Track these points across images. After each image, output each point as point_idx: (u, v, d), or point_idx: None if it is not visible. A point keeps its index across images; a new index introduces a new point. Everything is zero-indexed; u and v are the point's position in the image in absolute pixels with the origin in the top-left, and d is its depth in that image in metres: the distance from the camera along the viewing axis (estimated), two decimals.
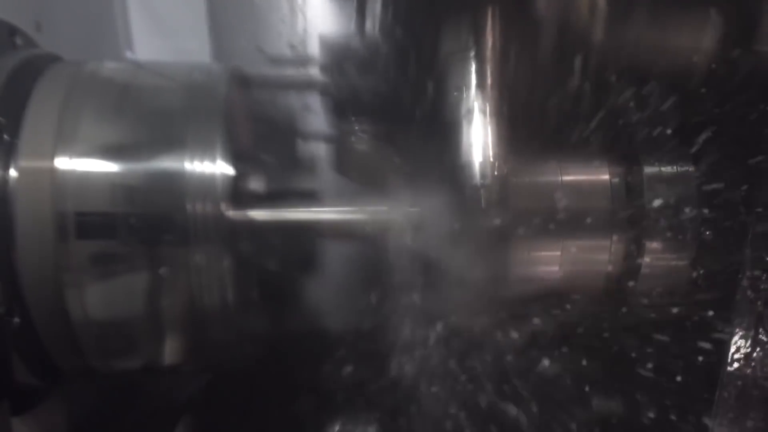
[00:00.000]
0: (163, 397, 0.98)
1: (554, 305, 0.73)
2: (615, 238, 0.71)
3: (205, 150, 0.67)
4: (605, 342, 0.73)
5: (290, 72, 0.87)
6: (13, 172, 0.65)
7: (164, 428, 0.91)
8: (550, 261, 0.72)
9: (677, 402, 0.67)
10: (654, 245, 0.70)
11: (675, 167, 0.70)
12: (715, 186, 0.67)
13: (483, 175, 0.65)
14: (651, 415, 0.70)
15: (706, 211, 0.68)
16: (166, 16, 1.23)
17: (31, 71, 0.70)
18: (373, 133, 0.80)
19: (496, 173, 0.65)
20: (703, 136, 0.67)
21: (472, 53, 0.67)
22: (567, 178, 0.72)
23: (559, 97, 0.69)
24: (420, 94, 0.71)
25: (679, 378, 0.67)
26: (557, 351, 0.74)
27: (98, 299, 0.67)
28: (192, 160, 0.67)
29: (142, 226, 0.65)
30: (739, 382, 0.59)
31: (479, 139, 0.66)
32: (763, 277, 0.60)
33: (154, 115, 0.69)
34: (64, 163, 0.65)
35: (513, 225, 0.67)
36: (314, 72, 0.83)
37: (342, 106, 0.81)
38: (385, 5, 0.71)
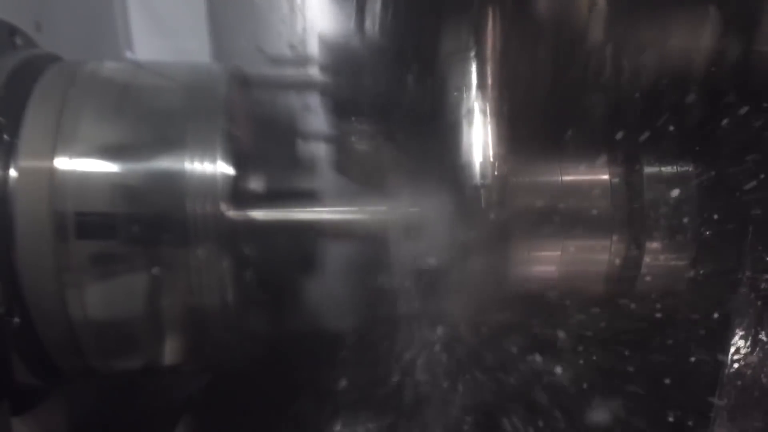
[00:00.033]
0: (163, 397, 0.98)
1: (554, 305, 0.73)
2: (615, 238, 0.71)
3: (205, 150, 0.67)
4: (605, 342, 0.73)
5: (290, 72, 0.87)
6: (12, 172, 0.65)
7: (164, 428, 0.91)
8: (549, 261, 0.72)
9: (677, 402, 0.67)
10: (654, 245, 0.70)
11: (675, 167, 0.70)
12: (715, 186, 0.67)
13: (483, 175, 0.65)
14: (651, 415, 0.70)
15: (706, 211, 0.68)
16: (166, 16, 1.23)
17: (31, 71, 0.70)
18: (373, 133, 0.80)
19: (496, 173, 0.65)
20: (703, 137, 0.67)
21: (472, 53, 0.67)
22: (567, 178, 0.72)
23: (559, 97, 0.69)
24: (420, 94, 0.71)
25: (678, 378, 0.67)
26: (557, 351, 0.74)
27: (98, 299, 0.67)
28: (192, 160, 0.67)
29: (142, 226, 0.65)
30: (739, 382, 0.59)
31: (479, 139, 0.66)
32: (763, 277, 0.60)
33: (154, 115, 0.69)
34: (63, 163, 0.65)
35: (513, 225, 0.67)
36: (314, 72, 0.83)
37: (342, 106, 0.81)
38: (385, 5, 0.71)
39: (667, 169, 0.70)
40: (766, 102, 0.62)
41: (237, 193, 0.68)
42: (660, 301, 0.71)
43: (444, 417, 0.76)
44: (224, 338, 0.70)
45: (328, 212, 0.72)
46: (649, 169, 0.70)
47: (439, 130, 0.69)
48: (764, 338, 0.59)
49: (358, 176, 0.83)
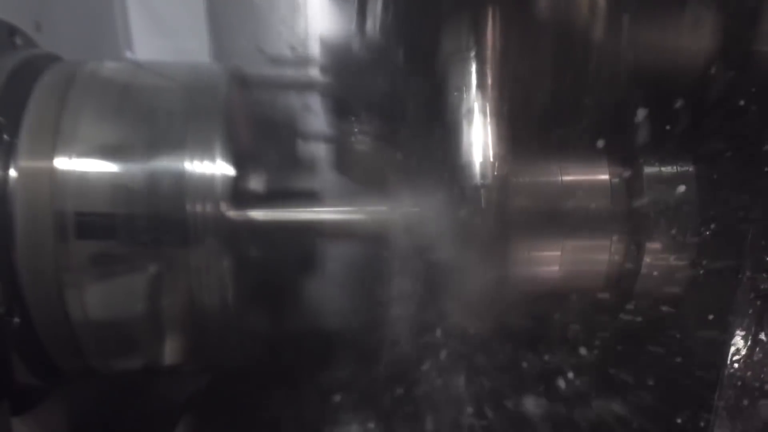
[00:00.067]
0: (163, 397, 0.98)
1: (554, 305, 0.73)
2: (615, 238, 0.71)
3: (205, 150, 0.67)
4: (605, 342, 0.73)
5: (290, 72, 0.87)
6: (12, 172, 0.65)
7: (164, 428, 0.91)
8: (550, 261, 0.72)
9: (677, 402, 0.67)
10: (654, 245, 0.70)
11: (675, 167, 0.70)
12: (715, 186, 0.67)
13: (483, 175, 0.65)
14: (651, 415, 0.70)
15: (705, 211, 0.68)
16: (166, 16, 1.23)
17: (31, 71, 0.70)
18: (373, 133, 0.80)
19: (496, 173, 0.65)
20: (703, 137, 0.67)
21: (472, 53, 0.67)
22: (567, 178, 0.72)
23: (560, 97, 0.69)
24: (420, 95, 0.71)
25: (678, 378, 0.67)
26: (557, 351, 0.74)
27: (98, 299, 0.67)
28: (192, 160, 0.67)
29: (142, 226, 0.65)
30: (739, 383, 0.59)
31: (479, 139, 0.66)
32: (763, 277, 0.60)
33: (153, 115, 0.69)
34: (63, 163, 0.65)
35: (513, 225, 0.67)
36: (314, 72, 0.83)
37: (342, 107, 0.81)
38: (385, 6, 0.71)
39: (667, 169, 0.70)
40: (765, 101, 0.62)
41: (237, 193, 0.68)
42: (660, 301, 0.71)
43: (444, 417, 0.76)
44: (224, 338, 0.70)
45: (328, 212, 0.72)
46: (649, 169, 0.70)
47: (439, 130, 0.69)
48: (764, 338, 0.59)
49: (358, 176, 0.83)
